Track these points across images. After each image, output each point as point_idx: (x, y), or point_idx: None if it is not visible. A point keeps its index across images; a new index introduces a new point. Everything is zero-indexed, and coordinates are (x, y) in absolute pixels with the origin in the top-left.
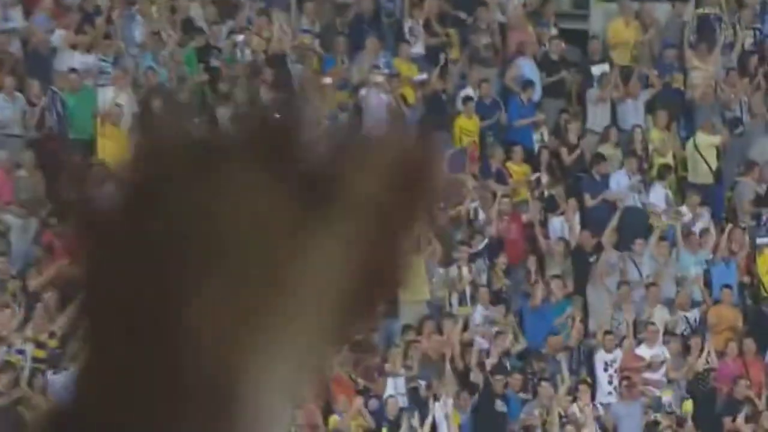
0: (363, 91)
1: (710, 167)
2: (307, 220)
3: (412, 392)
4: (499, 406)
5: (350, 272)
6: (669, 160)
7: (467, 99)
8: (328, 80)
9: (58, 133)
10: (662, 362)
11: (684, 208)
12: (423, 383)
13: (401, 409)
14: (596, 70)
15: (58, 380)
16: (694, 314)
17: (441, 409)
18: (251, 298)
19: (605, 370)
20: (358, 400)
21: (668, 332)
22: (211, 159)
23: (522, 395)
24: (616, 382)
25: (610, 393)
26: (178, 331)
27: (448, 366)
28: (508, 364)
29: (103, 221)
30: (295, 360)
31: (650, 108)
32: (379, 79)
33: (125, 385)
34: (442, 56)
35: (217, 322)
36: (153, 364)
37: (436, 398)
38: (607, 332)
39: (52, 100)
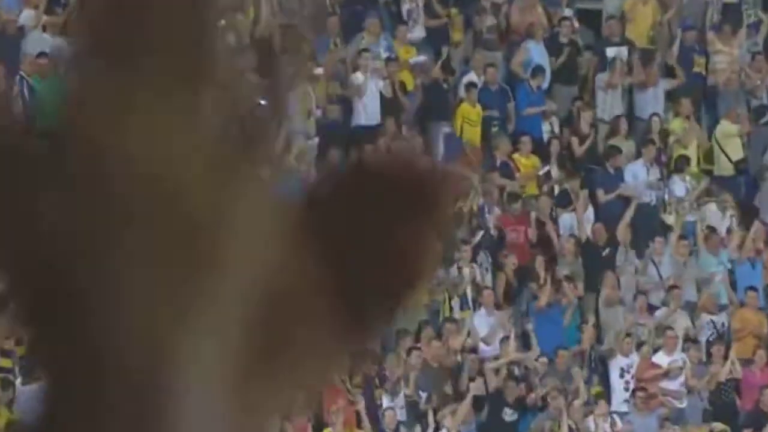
0: (355, 78)
1: (730, 159)
2: (235, 165)
3: (411, 405)
4: (509, 414)
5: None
6: (691, 151)
7: (470, 85)
8: (319, 71)
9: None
10: (680, 369)
11: (711, 206)
12: (423, 395)
13: (399, 423)
14: (611, 53)
15: (28, 391)
16: (720, 318)
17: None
18: (175, 267)
19: (621, 376)
20: (352, 410)
21: (689, 339)
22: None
23: (530, 407)
24: (633, 388)
25: (626, 401)
26: (96, 299)
27: (466, 379)
28: (515, 373)
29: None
30: (224, 346)
31: (670, 95)
32: (374, 64)
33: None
34: (443, 39)
35: (139, 297)
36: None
37: (436, 411)
38: (626, 334)
39: (20, 86)
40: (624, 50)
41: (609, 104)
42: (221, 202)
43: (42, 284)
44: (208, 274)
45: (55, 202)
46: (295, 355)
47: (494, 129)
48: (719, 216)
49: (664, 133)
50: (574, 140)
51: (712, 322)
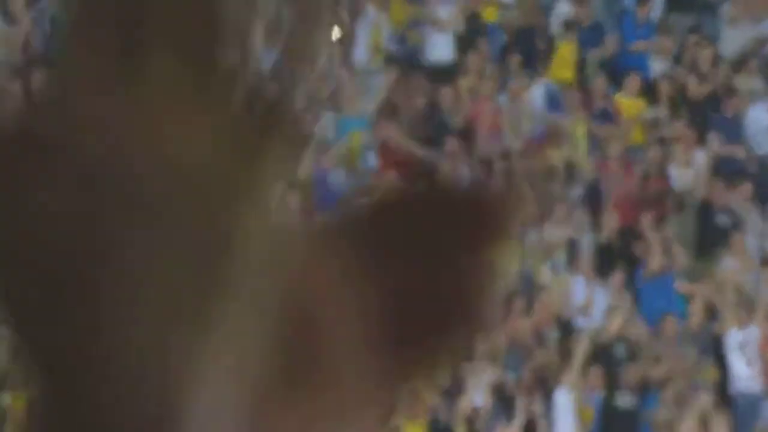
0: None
1: None
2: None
3: (498, 390)
4: (623, 401)
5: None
6: None
7: (567, 22)
8: None
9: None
10: None
11: None
12: (512, 377)
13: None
14: None
15: None
16: None
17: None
18: (183, 283)
19: (741, 350)
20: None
21: None
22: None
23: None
24: (757, 364)
25: (751, 378)
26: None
27: (582, 347)
28: (619, 352)
29: None
30: (240, 364)
31: None
32: None
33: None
34: None
35: (142, 316)
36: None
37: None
38: (746, 304)
39: (39, 16)
40: None
41: (733, 37)
42: (245, 188)
43: (42, 283)
44: (228, 270)
45: (57, 194)
46: (318, 384)
47: (592, 67)
48: None
49: None
50: (691, 79)
51: None
